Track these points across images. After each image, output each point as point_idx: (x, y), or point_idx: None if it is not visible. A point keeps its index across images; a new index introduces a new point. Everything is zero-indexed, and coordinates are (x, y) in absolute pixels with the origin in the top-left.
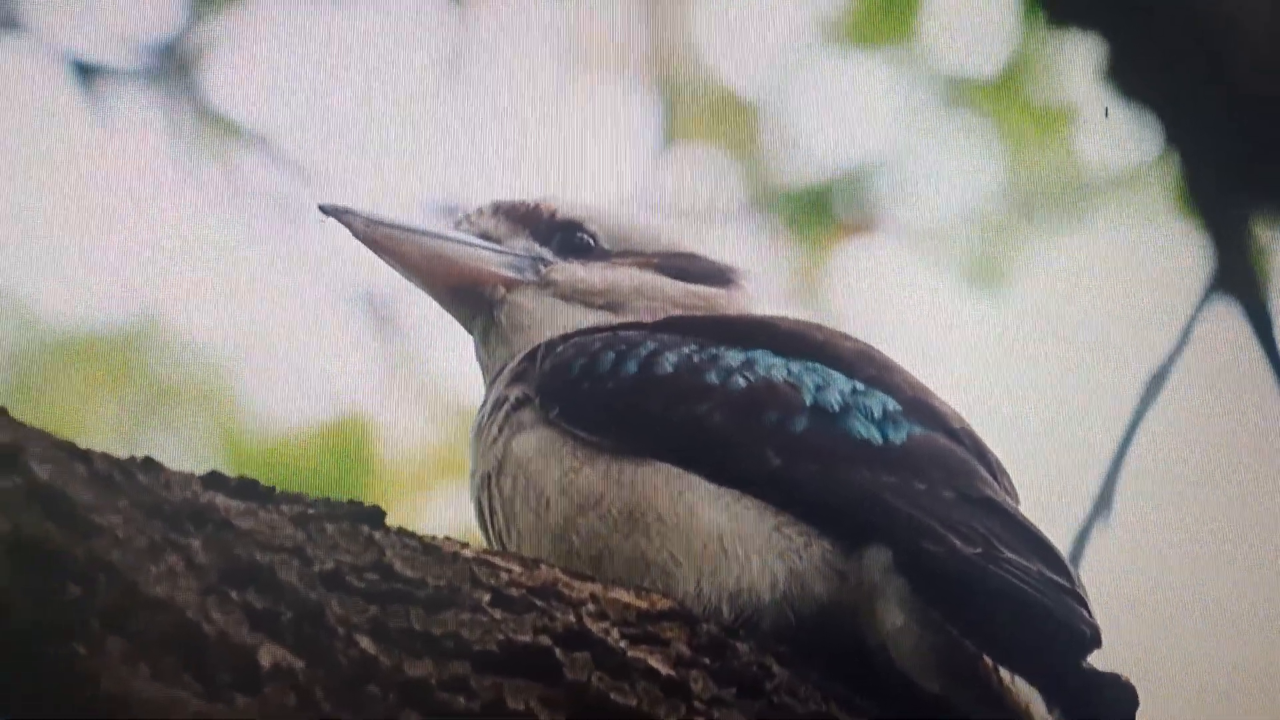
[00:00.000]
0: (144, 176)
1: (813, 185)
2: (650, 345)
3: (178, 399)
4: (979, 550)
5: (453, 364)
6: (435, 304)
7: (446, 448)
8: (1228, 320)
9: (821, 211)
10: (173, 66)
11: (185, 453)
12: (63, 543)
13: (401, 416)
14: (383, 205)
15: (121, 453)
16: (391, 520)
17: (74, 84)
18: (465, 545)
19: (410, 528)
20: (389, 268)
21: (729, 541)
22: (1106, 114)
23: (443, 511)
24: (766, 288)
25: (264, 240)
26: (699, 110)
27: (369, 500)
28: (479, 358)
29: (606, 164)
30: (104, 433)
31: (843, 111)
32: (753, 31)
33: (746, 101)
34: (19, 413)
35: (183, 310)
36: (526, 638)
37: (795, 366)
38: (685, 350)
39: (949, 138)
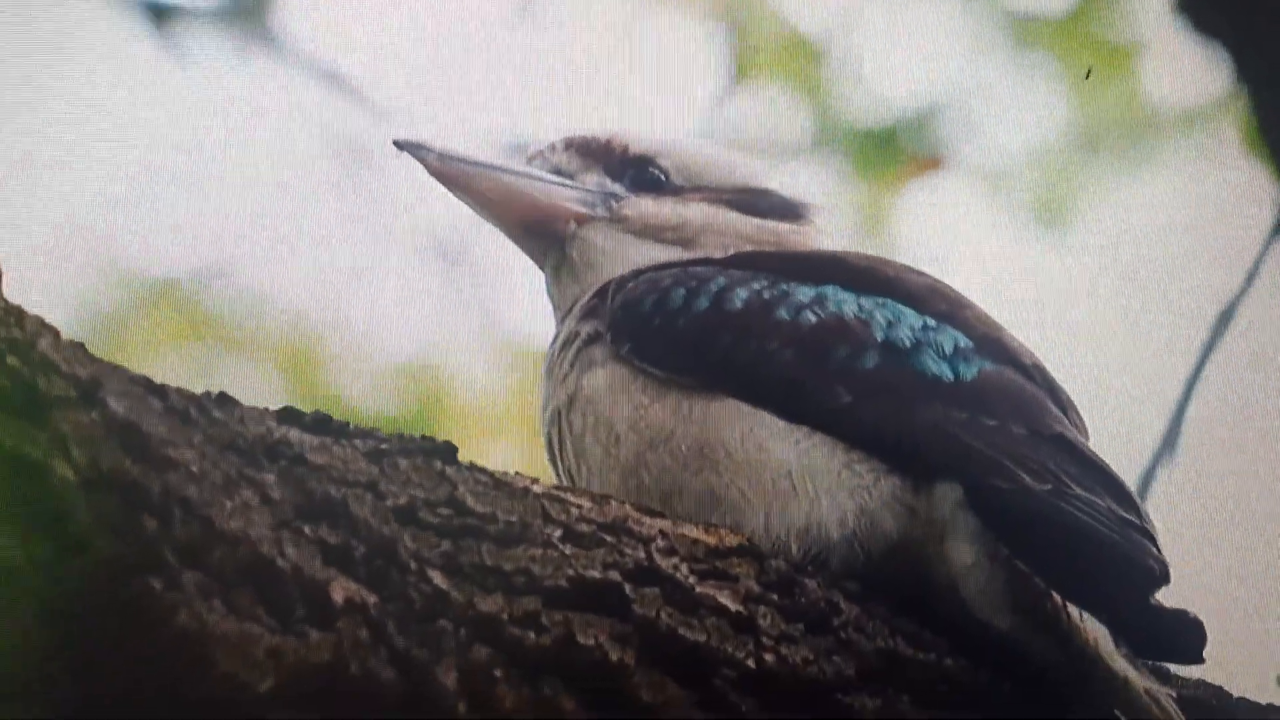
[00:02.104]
0: (217, 118)
1: (880, 124)
2: (721, 281)
3: (251, 342)
4: (1049, 487)
5: (524, 303)
6: (507, 242)
7: (517, 388)
8: None
9: (889, 150)
10: (245, 6)
11: (258, 396)
12: (139, 477)
13: (473, 358)
14: (456, 142)
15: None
16: (462, 459)
17: (146, 25)
18: (536, 481)
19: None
20: (462, 205)
21: (798, 478)
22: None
23: (513, 452)
24: (835, 224)
25: (337, 180)
26: (767, 48)
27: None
28: (550, 294)
29: (675, 102)
30: (174, 377)
31: (910, 50)
32: None
33: (814, 40)
34: (98, 355)
35: (256, 252)
36: (596, 573)
37: (866, 302)
38: (756, 286)
39: (1017, 76)
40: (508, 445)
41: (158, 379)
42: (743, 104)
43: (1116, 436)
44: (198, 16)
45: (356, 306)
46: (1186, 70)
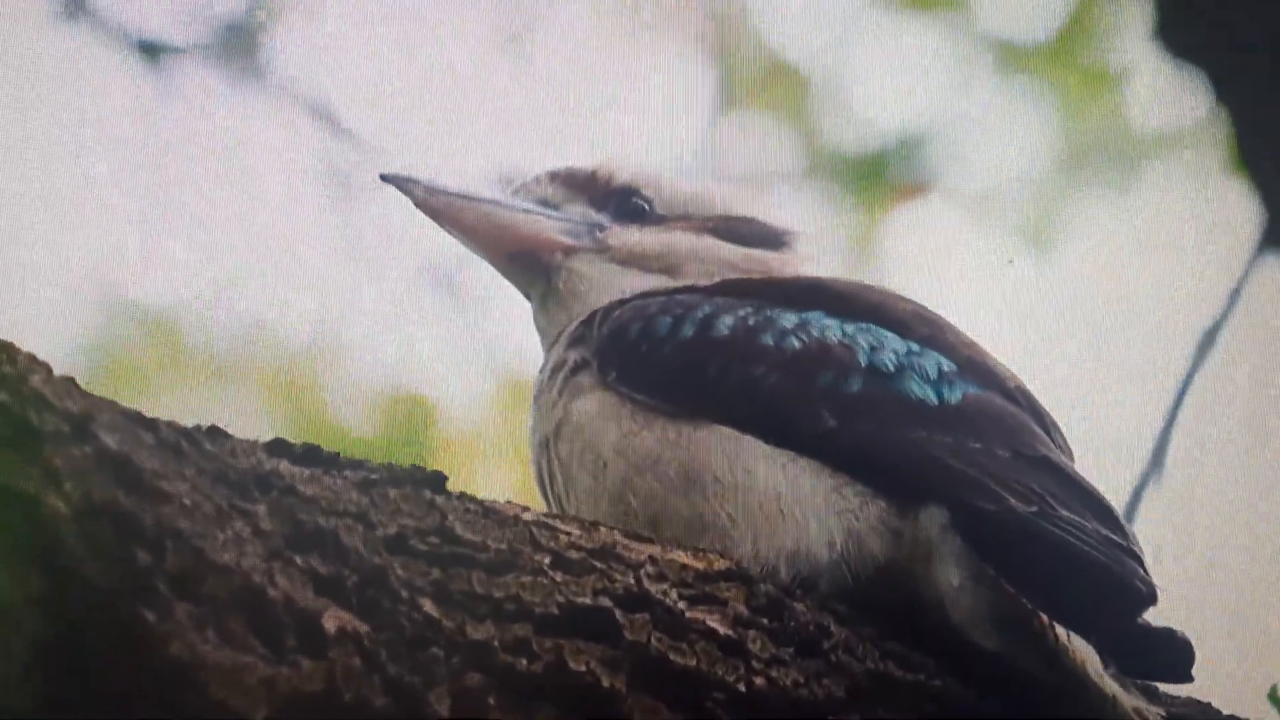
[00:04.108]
0: (210, 152)
1: (868, 150)
2: (706, 308)
3: (245, 372)
4: (1034, 508)
5: (516, 332)
6: (495, 273)
7: (509, 416)
8: (1279, 278)
9: (876, 176)
10: (237, 42)
11: (250, 427)
12: (131, 510)
13: (465, 386)
14: (444, 175)
15: (188, 424)
16: (452, 488)
17: (140, 63)
18: (525, 509)
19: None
20: (449, 237)
21: (786, 502)
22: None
23: (505, 480)
24: (821, 250)
25: (329, 212)
26: (755, 78)
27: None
28: (537, 323)
29: (664, 132)
30: (170, 407)
31: (897, 77)
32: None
33: (802, 69)
34: (95, 387)
35: (249, 283)
36: (586, 600)
37: (850, 328)
38: (741, 313)
39: (1002, 102)
40: (500, 473)
41: (153, 409)
42: (731, 133)
43: (1104, 457)
44: (189, 53)
45: (349, 336)
46: (1168, 94)
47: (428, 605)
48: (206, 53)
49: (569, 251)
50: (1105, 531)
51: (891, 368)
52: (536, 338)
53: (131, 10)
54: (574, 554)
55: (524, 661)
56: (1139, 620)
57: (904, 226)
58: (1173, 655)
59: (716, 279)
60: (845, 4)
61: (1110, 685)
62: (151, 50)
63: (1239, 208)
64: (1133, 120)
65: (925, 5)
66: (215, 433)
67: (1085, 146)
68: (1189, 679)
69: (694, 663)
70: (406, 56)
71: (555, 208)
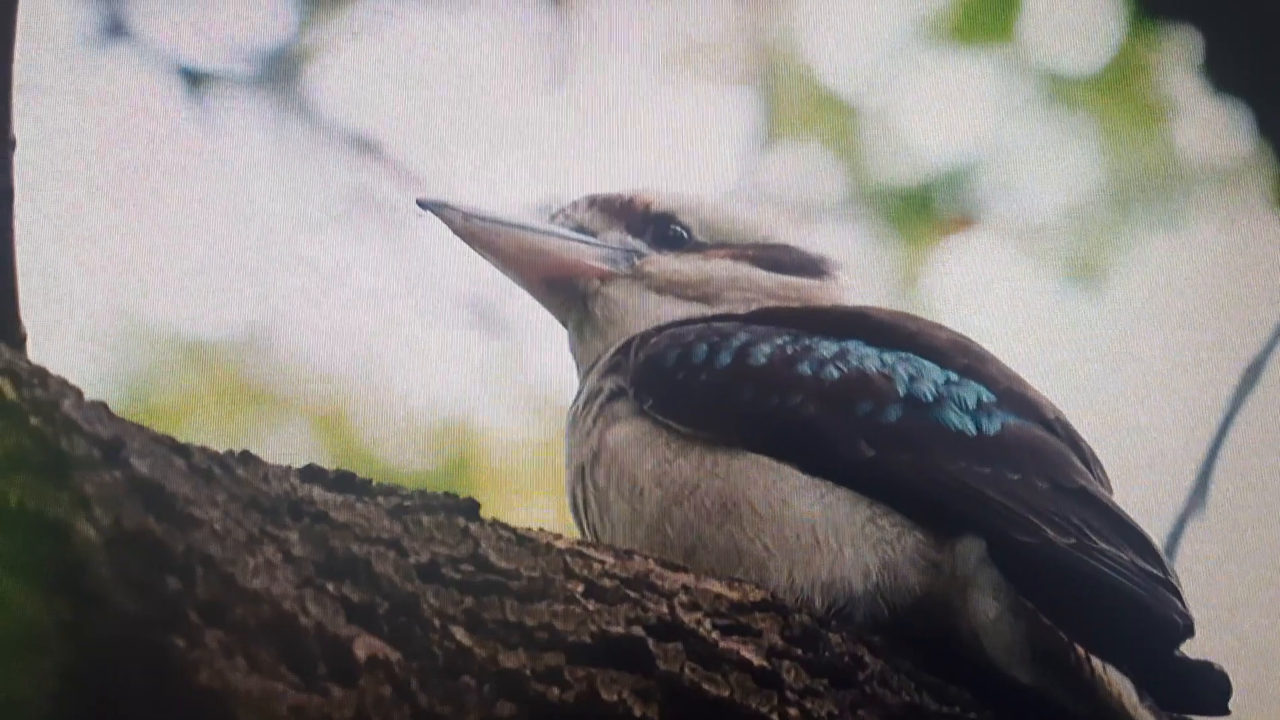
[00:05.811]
0: (251, 182)
1: (914, 182)
2: (744, 336)
3: (285, 402)
4: (1072, 541)
5: (557, 360)
6: (533, 301)
7: (549, 445)
8: None
9: (923, 208)
10: (279, 72)
11: (292, 456)
12: (162, 536)
13: (505, 414)
14: (487, 203)
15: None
16: (489, 516)
17: (182, 91)
18: (559, 536)
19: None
20: (488, 265)
21: (822, 532)
22: None
23: (547, 509)
24: (864, 281)
25: (370, 242)
26: (801, 109)
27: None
28: (573, 350)
29: (709, 163)
30: (208, 437)
31: (944, 109)
32: (854, 30)
33: (848, 100)
34: (130, 416)
35: (290, 313)
36: (619, 629)
37: (888, 357)
38: (778, 341)
39: (1049, 135)
40: (541, 502)
41: (191, 439)
42: (776, 163)
43: (1147, 489)
44: (232, 82)
45: (388, 366)
46: (1214, 129)
47: (459, 633)
48: (249, 81)
49: (605, 278)
50: (1143, 564)
51: (930, 398)
52: (573, 364)
53: (174, 37)
54: (607, 582)
55: (556, 690)
56: (1176, 653)
57: (950, 259)
58: (1209, 688)
59: (754, 307)
60: (892, 35)
61: (1145, 718)
62: (193, 77)
63: None
64: (1179, 154)
65: (973, 37)
66: (247, 458)
67: (1132, 180)
68: (1225, 712)
69: (727, 693)
70: (450, 86)
71: (592, 234)
